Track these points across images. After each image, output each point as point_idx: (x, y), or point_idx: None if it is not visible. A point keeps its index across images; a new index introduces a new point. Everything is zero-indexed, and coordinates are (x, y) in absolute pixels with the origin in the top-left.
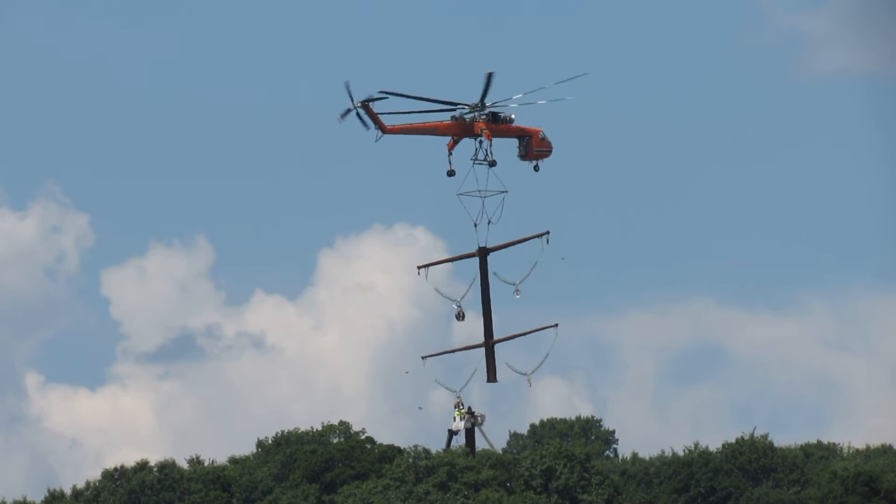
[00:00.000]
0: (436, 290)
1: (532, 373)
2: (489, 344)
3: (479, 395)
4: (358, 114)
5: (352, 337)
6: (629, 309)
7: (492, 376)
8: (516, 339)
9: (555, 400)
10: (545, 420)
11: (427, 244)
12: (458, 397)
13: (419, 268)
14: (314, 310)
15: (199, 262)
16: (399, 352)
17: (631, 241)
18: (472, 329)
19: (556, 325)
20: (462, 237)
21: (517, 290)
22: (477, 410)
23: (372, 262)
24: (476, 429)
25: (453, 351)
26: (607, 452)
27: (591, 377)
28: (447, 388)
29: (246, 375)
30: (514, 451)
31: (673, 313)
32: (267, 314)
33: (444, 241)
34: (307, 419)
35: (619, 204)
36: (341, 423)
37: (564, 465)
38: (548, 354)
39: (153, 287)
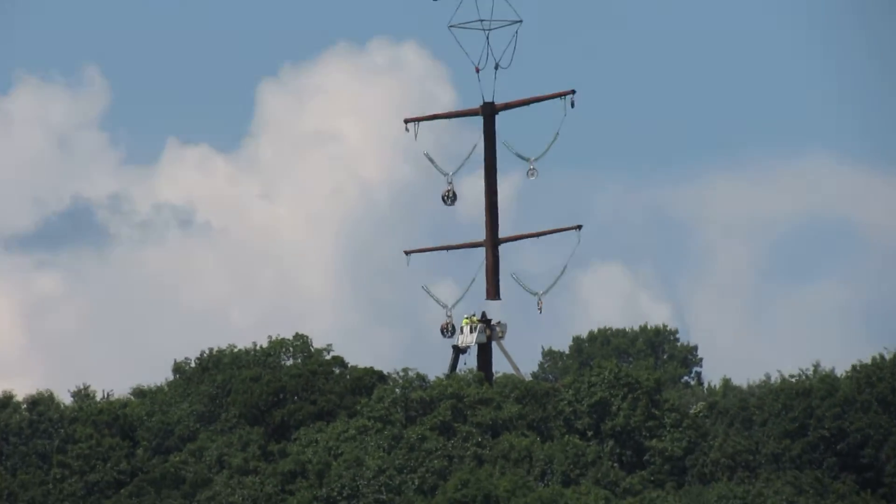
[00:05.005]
0: (426, 155)
1: (545, 293)
2: (492, 244)
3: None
4: None
5: (309, 210)
6: (715, 172)
7: (492, 292)
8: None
9: (610, 301)
10: (595, 331)
11: (420, 71)
12: (449, 316)
13: (406, 122)
14: (253, 172)
15: (88, 103)
16: (378, 231)
17: (712, 80)
18: (476, 212)
19: (580, 226)
20: (463, 78)
21: (532, 170)
22: (494, 318)
23: (337, 99)
24: (493, 344)
25: (447, 248)
26: (686, 378)
27: (662, 269)
28: (437, 301)
29: (160, 267)
30: (550, 377)
31: (777, 177)
32: (187, 177)
33: (447, 67)
34: (247, 331)
35: (690, 29)
36: (297, 336)
37: (624, 398)
38: (565, 268)
39: (22, 139)
